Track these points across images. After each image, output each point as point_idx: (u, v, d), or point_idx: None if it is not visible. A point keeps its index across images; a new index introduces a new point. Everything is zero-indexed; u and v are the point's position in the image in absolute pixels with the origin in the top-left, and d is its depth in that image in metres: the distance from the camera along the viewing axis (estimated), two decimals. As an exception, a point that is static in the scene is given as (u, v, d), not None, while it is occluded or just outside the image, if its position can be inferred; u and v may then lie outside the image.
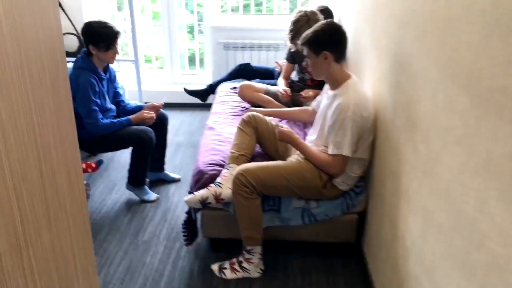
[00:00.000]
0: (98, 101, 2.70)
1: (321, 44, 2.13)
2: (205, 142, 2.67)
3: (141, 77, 4.07)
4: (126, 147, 2.87)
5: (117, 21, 4.81)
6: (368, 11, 2.46)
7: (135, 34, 3.87)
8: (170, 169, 3.35)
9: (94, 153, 2.89)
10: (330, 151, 2.13)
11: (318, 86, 2.94)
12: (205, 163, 2.40)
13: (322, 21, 2.21)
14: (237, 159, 2.34)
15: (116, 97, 3.00)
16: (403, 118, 1.78)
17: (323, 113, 2.27)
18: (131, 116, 2.81)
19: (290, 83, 3.31)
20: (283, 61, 3.54)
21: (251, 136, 2.44)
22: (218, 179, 2.26)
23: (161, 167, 3.18)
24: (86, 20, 4.38)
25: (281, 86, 3.18)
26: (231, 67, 4.36)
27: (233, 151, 2.38)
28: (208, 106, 3.61)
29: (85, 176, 2.70)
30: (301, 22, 2.94)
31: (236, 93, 3.39)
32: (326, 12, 3.35)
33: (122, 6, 4.90)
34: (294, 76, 3.34)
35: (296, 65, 3.30)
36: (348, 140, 2.08)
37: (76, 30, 4.32)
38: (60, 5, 4.24)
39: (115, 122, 2.74)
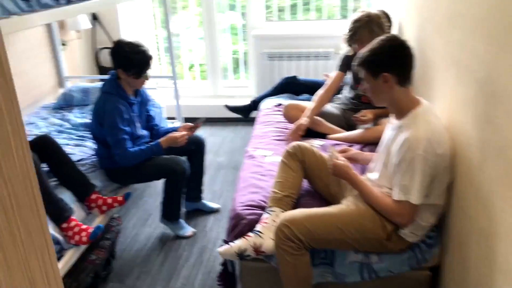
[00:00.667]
0: (127, 128, 2.43)
1: (380, 64, 1.73)
2: (244, 175, 2.32)
3: (180, 91, 3.80)
4: (157, 178, 2.59)
5: (154, 33, 4.57)
6: (441, 19, 2.01)
7: (172, 49, 3.59)
8: (209, 196, 3.04)
9: (124, 184, 2.63)
10: (396, 196, 1.72)
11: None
12: (243, 204, 2.05)
13: (381, 37, 1.79)
14: (280, 202, 1.97)
15: (149, 121, 2.73)
16: (497, 166, 1.34)
17: (387, 146, 1.85)
18: (161, 140, 2.51)
19: (342, 103, 2.89)
20: (333, 74, 3.13)
21: (297, 172, 2.06)
22: (258, 227, 1.91)
23: (198, 196, 2.88)
24: (124, 33, 4.21)
25: (305, 113, 2.75)
26: (276, 79, 4.00)
27: (275, 190, 2.01)
28: (253, 121, 3.28)
29: (117, 208, 2.44)
30: (361, 22, 2.54)
31: (280, 110, 3.02)
32: (385, 16, 2.90)
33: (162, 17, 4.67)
34: (347, 91, 2.92)
35: (350, 76, 2.88)
36: (417, 184, 1.66)
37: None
38: (95, 17, 4.05)
39: (144, 149, 2.46)
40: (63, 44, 3.73)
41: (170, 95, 3.97)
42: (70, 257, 2.09)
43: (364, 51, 1.79)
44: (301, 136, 2.67)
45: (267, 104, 3.38)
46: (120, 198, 2.39)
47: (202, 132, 4.12)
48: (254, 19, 4.18)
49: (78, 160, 2.56)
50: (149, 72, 2.48)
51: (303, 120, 2.71)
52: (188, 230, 2.67)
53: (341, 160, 1.95)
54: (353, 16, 2.61)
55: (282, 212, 1.95)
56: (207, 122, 4.33)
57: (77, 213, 2.26)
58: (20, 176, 0.77)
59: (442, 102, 1.95)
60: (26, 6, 1.88)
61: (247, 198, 2.09)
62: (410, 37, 2.72)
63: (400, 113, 1.78)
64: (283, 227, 1.77)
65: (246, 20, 4.22)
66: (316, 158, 2.11)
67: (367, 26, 2.49)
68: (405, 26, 2.91)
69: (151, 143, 2.50)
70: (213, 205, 2.92)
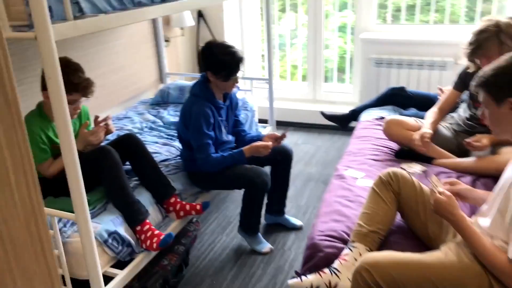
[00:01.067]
0: (212, 133, 2.33)
1: (507, 89, 1.37)
2: (329, 198, 2.07)
3: (277, 92, 3.65)
4: (237, 188, 2.45)
5: (260, 31, 4.46)
6: None
7: (270, 50, 3.44)
8: (292, 211, 2.84)
9: (205, 188, 2.55)
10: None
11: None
12: (323, 234, 1.81)
13: (508, 54, 1.43)
14: (365, 237, 1.70)
15: (237, 126, 2.60)
16: None
17: (506, 189, 1.49)
18: (244, 148, 2.37)
19: (455, 124, 2.49)
20: (448, 89, 2.72)
21: (390, 205, 1.77)
22: (336, 263, 1.67)
23: (280, 210, 2.69)
24: (228, 31, 4.17)
25: (425, 127, 2.39)
26: (382, 87, 3.64)
27: (361, 223, 1.74)
28: (353, 130, 3.00)
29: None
30: (488, 34, 2.14)
31: (381, 125, 2.70)
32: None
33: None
34: (463, 110, 2.51)
35: (467, 95, 2.47)
36: (546, 245, 1.29)
37: (216, 42, 4.09)
38: (200, 14, 4.05)
39: (226, 157, 2.34)
40: (167, 41, 3.79)
41: (264, 96, 3.82)
42: (140, 261, 2.05)
43: (487, 69, 1.45)
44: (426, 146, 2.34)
45: (368, 116, 3.07)
46: (198, 207, 2.30)
47: (294, 139, 3.93)
48: (365, 20, 3.85)
49: (163, 160, 2.53)
50: (240, 74, 2.34)
51: (425, 129, 2.37)
52: (265, 246, 2.50)
53: (446, 195, 1.61)
54: (478, 25, 2.19)
55: (366, 250, 1.68)
56: (300, 128, 4.14)
57: (154, 215, 2.22)
58: (21, 216, 0.64)
59: None
60: (118, 4, 1.84)
61: (328, 226, 1.85)
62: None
63: (530, 151, 1.41)
64: (363, 270, 1.50)
65: (355, 21, 3.91)
66: (415, 190, 1.79)
67: (496, 38, 2.09)
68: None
69: (234, 151, 2.37)
70: (296, 221, 2.71)
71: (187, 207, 2.30)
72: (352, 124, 3.40)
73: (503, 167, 1.60)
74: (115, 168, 2.04)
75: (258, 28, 4.41)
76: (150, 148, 2.65)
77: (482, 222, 1.60)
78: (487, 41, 2.12)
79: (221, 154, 2.34)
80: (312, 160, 3.56)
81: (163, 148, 2.67)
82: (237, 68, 2.29)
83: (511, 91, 1.37)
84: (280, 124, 4.07)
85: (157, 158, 2.53)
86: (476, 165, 2.22)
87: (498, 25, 2.13)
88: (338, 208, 1.97)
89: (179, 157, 2.58)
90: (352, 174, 2.28)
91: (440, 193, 1.60)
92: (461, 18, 3.73)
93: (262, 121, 3.85)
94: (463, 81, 2.42)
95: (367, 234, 1.71)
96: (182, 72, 4.08)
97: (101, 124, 2.15)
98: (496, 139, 2.17)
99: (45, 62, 1.41)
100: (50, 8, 1.48)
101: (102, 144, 2.20)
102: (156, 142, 2.76)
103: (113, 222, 1.98)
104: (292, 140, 3.85)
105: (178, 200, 2.30)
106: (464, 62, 2.35)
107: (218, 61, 2.25)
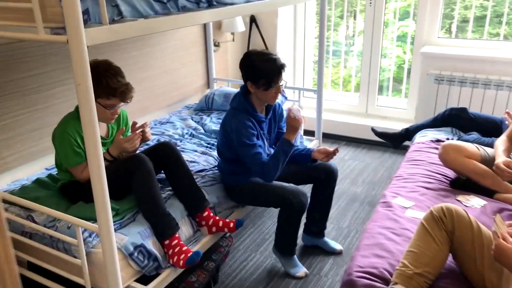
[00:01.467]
0: (260, 142, 2.21)
1: None
2: (372, 229, 1.88)
3: (326, 103, 3.47)
4: (273, 206, 2.31)
5: (312, 37, 4.30)
6: None
7: (322, 59, 3.27)
8: (332, 234, 2.66)
9: (241, 203, 2.43)
10: None
11: None
12: (362, 270, 1.63)
13: None
14: (409, 280, 1.51)
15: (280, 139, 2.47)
16: None
17: None
18: (284, 136, 2.19)
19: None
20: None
21: (441, 246, 1.56)
22: (373, 307, 1.48)
23: (319, 232, 2.52)
24: (281, 38, 4.05)
25: (499, 156, 2.11)
26: (441, 107, 3.38)
27: (406, 263, 1.55)
28: (405, 149, 2.77)
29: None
30: None
31: (437, 148, 2.46)
32: None
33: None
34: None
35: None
36: None
37: (266, 48, 3.98)
38: (253, 19, 3.95)
39: (275, 154, 2.16)
40: (216, 45, 3.72)
41: (313, 106, 3.64)
42: (165, 277, 1.95)
43: None
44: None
45: (423, 138, 2.83)
46: (231, 225, 2.18)
47: (341, 154, 3.74)
48: (427, 31, 3.60)
49: (200, 171, 2.44)
50: (283, 83, 2.20)
51: (504, 158, 2.07)
52: (300, 270, 2.34)
53: (510, 241, 1.39)
54: None
55: (410, 294, 1.49)
56: (349, 142, 3.93)
57: (185, 228, 2.12)
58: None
59: None
60: (161, 8, 1.76)
61: (369, 262, 1.67)
62: None
63: None
64: (404, 323, 1.32)
65: (415, 31, 3.65)
66: (472, 230, 1.57)
67: None
68: None
69: (277, 146, 2.21)
70: (336, 245, 2.53)
71: (220, 223, 2.18)
72: (405, 143, 3.17)
73: None
74: (148, 177, 1.96)
75: (313, 35, 4.24)
76: (189, 156, 2.57)
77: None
78: None
79: (268, 157, 2.20)
80: (358, 178, 3.35)
81: (201, 158, 2.58)
82: (278, 76, 2.15)
83: None
84: (327, 136, 3.89)
85: (194, 167, 2.44)
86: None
87: None
88: (381, 242, 1.77)
89: (216, 168, 2.48)
90: (401, 203, 2.07)
91: (504, 238, 1.38)
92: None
93: (308, 132, 3.69)
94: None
95: (412, 276, 1.51)
96: (230, 78, 3.99)
97: (138, 131, 2.09)
98: None
99: (75, 67, 1.34)
100: (87, 11, 1.42)
101: (138, 151, 2.13)
102: (195, 151, 2.67)
103: (141, 234, 1.90)
104: (338, 155, 3.65)
105: (212, 214, 2.19)
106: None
107: (257, 68, 2.12)
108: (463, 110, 2.87)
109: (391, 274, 1.60)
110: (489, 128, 2.71)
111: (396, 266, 1.60)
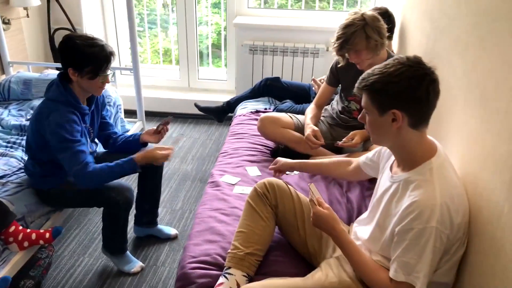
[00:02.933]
0: (83, 139, 1.92)
1: (392, 98, 1.25)
2: (202, 213, 1.85)
3: (145, 80, 3.26)
4: (96, 206, 2.09)
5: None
6: (464, 35, 1.53)
7: (134, 33, 3.04)
8: (166, 218, 2.57)
9: (58, 207, 2.14)
10: (396, 275, 1.26)
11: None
12: (195, 260, 1.58)
13: (399, 58, 1.29)
14: (241, 262, 1.51)
15: (105, 129, 2.22)
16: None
17: (382, 201, 1.40)
18: (135, 156, 1.97)
19: (329, 117, 2.43)
20: (323, 78, 2.65)
21: (267, 221, 1.60)
22: (210, 297, 1.45)
23: (152, 221, 2.40)
24: (86, 14, 3.65)
25: (307, 126, 2.28)
26: (258, 74, 3.51)
27: (236, 244, 1.55)
28: (230, 119, 2.79)
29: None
30: (354, 27, 2.04)
31: (257, 119, 2.54)
32: (385, 16, 2.41)
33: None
34: (336, 104, 2.45)
35: (340, 88, 2.41)
36: (426, 264, 1.22)
37: (72, 25, 3.55)
38: (51, -7, 3.46)
39: (112, 166, 1.92)
40: (6, 23, 3.16)
41: (130, 84, 3.39)
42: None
43: (372, 72, 1.30)
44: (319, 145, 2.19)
45: (243, 110, 2.90)
46: (47, 235, 1.90)
47: (168, 132, 3.60)
48: (238, 2, 3.64)
49: (0, 177, 2.06)
50: (110, 72, 1.96)
51: (311, 127, 2.24)
52: (135, 265, 2.20)
53: (325, 207, 1.48)
54: (344, 19, 2.10)
55: (244, 276, 1.50)
56: (176, 119, 3.83)
57: (-12, 249, 1.77)
58: None
59: (456, 143, 1.49)
60: None
61: (201, 250, 1.63)
62: (414, 49, 2.25)
63: (408, 163, 1.32)
64: (240, 308, 1.32)
65: (227, 2, 3.67)
66: (293, 201, 1.65)
67: (363, 31, 2.01)
68: (409, 32, 2.43)
69: (122, 160, 1.96)
70: (171, 230, 2.45)
71: (33, 235, 1.89)
72: (230, 115, 3.21)
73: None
74: None
75: (124, 6, 3.92)
76: (-19, 161, 2.15)
77: (360, 233, 1.52)
78: (354, 36, 2.04)
79: (105, 164, 1.93)
80: (188, 155, 3.30)
81: (0, 161, 2.18)
82: (106, 63, 1.89)
83: (396, 103, 1.25)
84: (150, 115, 3.71)
85: (-8, 174, 2.05)
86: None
87: (363, 18, 2.06)
88: (212, 225, 1.75)
89: (22, 171, 2.12)
90: (228, 180, 2.08)
91: (319, 203, 1.47)
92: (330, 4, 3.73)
93: (129, 112, 3.46)
94: (335, 75, 2.36)
95: (243, 257, 1.52)
96: (29, 61, 3.45)
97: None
98: (367, 135, 2.14)
99: None
100: None
101: None
102: (-9, 153, 2.25)
103: None
104: (168, 134, 3.52)
105: (20, 228, 1.87)
106: (334, 56, 2.26)
107: (82, 54, 1.83)
108: (277, 79, 3.02)
109: (224, 258, 1.59)
110: (300, 95, 2.91)
111: (228, 248, 1.59)
